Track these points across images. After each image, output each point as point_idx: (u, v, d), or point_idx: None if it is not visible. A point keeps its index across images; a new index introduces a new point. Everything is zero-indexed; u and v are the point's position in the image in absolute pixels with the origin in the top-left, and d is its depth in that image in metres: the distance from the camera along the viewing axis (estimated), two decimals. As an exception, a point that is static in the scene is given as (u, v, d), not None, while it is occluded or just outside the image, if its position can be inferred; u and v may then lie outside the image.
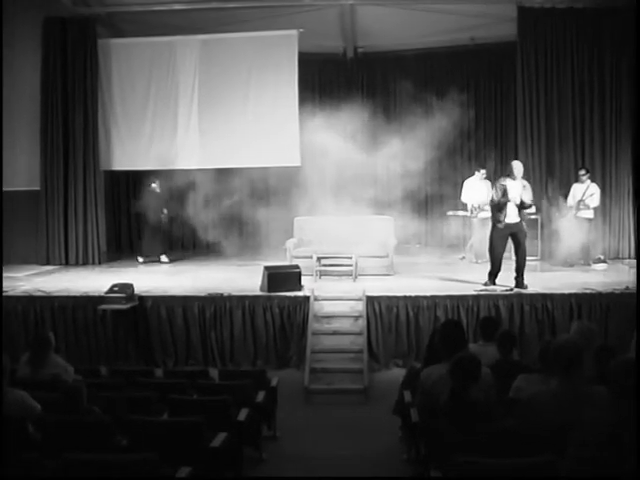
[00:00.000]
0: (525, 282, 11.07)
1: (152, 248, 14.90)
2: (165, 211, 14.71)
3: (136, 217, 16.29)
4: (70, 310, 11.00)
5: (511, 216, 10.92)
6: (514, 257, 11.38)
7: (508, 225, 10.95)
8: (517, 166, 11.00)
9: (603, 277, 12.10)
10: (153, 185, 14.70)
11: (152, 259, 14.79)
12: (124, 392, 6.93)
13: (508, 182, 10.85)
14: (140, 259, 14.89)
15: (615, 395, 4.25)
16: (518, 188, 10.85)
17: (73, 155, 14.60)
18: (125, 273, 13.19)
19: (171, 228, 15.77)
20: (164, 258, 14.86)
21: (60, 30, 14.51)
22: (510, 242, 11.34)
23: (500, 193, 10.80)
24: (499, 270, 11.27)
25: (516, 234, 11.09)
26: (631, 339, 6.62)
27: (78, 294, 11.20)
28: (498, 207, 10.87)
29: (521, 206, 10.88)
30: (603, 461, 3.96)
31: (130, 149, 14.85)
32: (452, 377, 5.40)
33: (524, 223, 11.19)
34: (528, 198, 10.90)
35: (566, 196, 13.48)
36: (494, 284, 11.20)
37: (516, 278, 11.11)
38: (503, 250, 11.26)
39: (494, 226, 11.10)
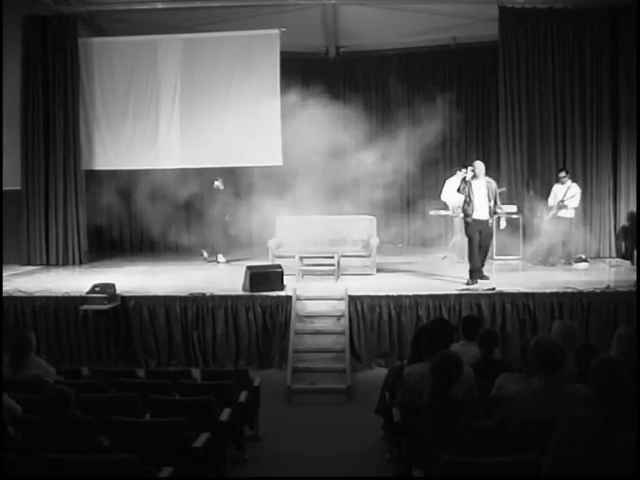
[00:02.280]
0: (487, 274, 11.70)
1: (220, 246, 14.78)
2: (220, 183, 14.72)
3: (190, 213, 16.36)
4: (51, 310, 10.94)
5: (479, 212, 11.43)
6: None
7: (477, 221, 11.44)
8: (478, 166, 11.64)
9: (584, 276, 12.17)
10: (216, 183, 14.66)
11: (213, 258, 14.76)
12: (106, 393, 6.91)
13: (472, 181, 11.53)
14: (205, 254, 14.84)
15: (596, 393, 4.26)
16: (482, 186, 11.45)
17: (54, 155, 14.52)
18: (107, 273, 13.14)
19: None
20: (221, 258, 14.69)
21: (41, 28, 14.43)
22: None
23: (466, 191, 11.46)
24: (480, 266, 11.56)
25: (481, 231, 11.57)
26: (612, 337, 6.64)
27: (59, 294, 11.14)
28: (466, 201, 11.47)
29: (492, 202, 11.49)
30: (584, 459, 3.97)
31: (111, 149, 14.77)
32: (434, 376, 5.41)
33: (492, 222, 11.78)
34: (492, 194, 11.49)
35: (547, 196, 13.54)
36: (476, 282, 11.34)
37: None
38: (476, 249, 11.60)
39: (466, 223, 11.61)
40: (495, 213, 11.72)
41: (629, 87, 14.10)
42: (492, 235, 12.09)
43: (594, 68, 14.26)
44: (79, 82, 14.57)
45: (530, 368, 5.26)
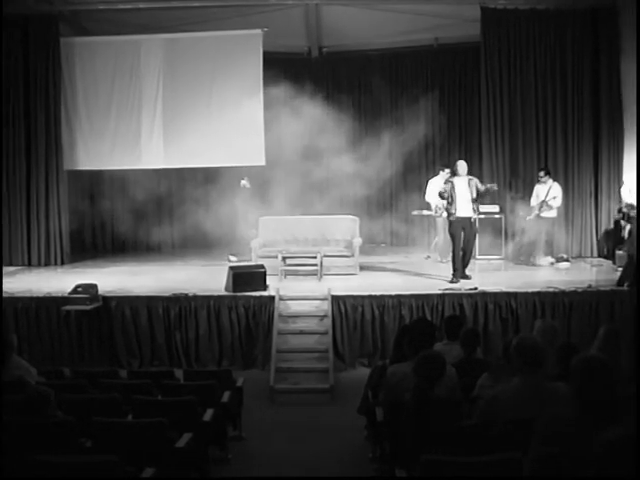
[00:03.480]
0: (469, 274, 11.81)
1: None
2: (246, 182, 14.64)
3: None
4: (33, 311, 10.89)
5: (462, 210, 11.56)
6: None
7: (460, 218, 11.54)
8: (460, 164, 11.80)
9: (566, 276, 12.24)
10: (243, 182, 14.60)
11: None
12: (88, 393, 6.89)
13: (455, 179, 11.69)
14: (232, 258, 14.44)
15: (577, 391, 4.29)
16: (464, 184, 11.58)
17: (35, 155, 14.41)
18: (89, 274, 13.06)
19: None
20: (232, 257, 14.46)
21: (22, 28, 14.32)
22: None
23: (448, 190, 11.59)
24: (462, 264, 11.69)
25: (465, 229, 11.66)
26: (593, 336, 6.69)
27: (41, 295, 11.09)
28: (448, 201, 11.62)
29: (474, 200, 11.62)
30: (565, 458, 3.99)
31: (93, 149, 14.68)
32: (417, 375, 5.43)
33: (476, 220, 11.89)
34: (473, 191, 11.60)
35: (529, 196, 13.60)
36: (459, 280, 11.45)
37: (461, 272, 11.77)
38: (459, 246, 11.71)
39: (450, 222, 11.73)
40: (477, 209, 11.82)
41: (610, 87, 14.22)
42: (476, 234, 12.16)
43: (575, 68, 14.32)
44: (61, 82, 14.47)
45: (512, 367, 5.28)
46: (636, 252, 11.59)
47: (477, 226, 12.17)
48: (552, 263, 13.21)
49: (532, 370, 5.00)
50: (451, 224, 11.69)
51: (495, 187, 12.57)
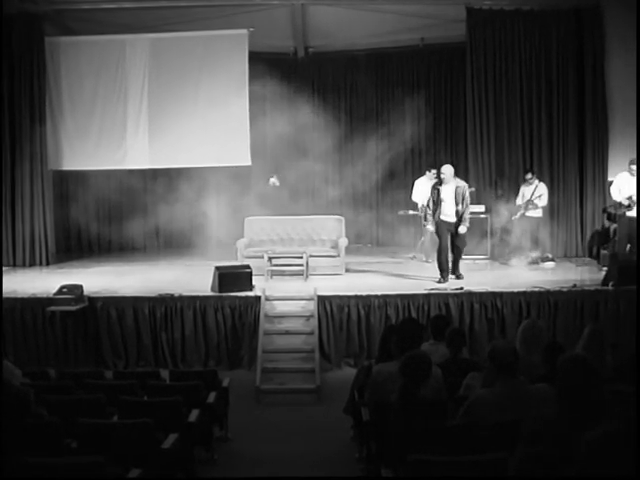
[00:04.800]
0: (462, 274, 11.97)
1: None
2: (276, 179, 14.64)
3: None
4: (18, 312, 10.84)
5: (447, 215, 11.67)
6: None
7: (445, 222, 11.70)
8: (445, 170, 11.85)
9: (551, 275, 12.28)
10: (272, 180, 14.57)
11: None
12: (73, 394, 6.87)
13: (441, 187, 11.77)
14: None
15: (562, 391, 4.30)
16: (451, 190, 11.66)
17: (20, 154, 14.32)
18: (74, 274, 13.00)
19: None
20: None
21: (6, 27, 14.21)
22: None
23: (435, 195, 11.73)
24: (446, 267, 11.71)
25: (451, 232, 11.79)
26: (579, 335, 6.72)
27: (26, 296, 11.05)
28: (434, 207, 11.76)
29: (460, 206, 11.68)
30: (550, 458, 4.01)
31: (78, 149, 14.62)
32: (403, 375, 5.44)
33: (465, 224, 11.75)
34: (460, 198, 11.67)
35: (515, 196, 13.64)
36: (447, 280, 11.52)
37: (453, 272, 11.92)
38: (445, 248, 11.78)
39: (436, 223, 11.83)
40: (461, 217, 11.69)
41: (594, 86, 14.27)
42: (464, 236, 12.05)
43: (560, 68, 14.38)
44: (45, 82, 14.40)
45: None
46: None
47: (462, 230, 12.00)
48: (532, 263, 13.21)
49: (509, 375, 5.04)
50: (438, 226, 11.77)
51: (472, 189, 13.15)
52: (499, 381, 5.06)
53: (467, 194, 11.80)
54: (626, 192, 12.32)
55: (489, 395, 5.04)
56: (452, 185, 11.69)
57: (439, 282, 11.41)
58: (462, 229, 11.67)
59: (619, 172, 12.76)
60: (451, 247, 11.90)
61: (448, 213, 11.65)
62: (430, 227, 12.04)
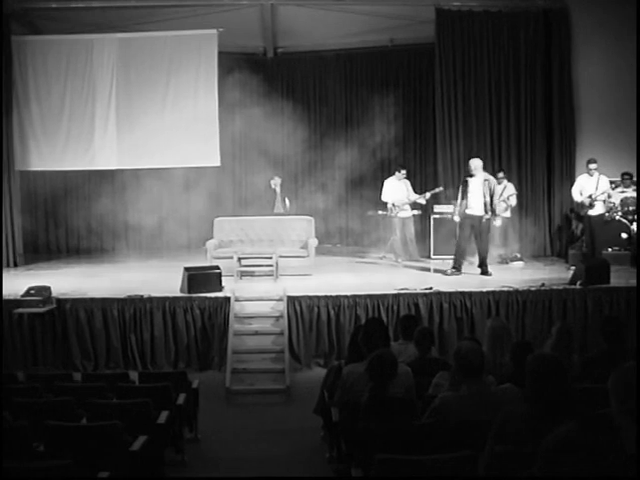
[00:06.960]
0: (489, 271, 12.16)
1: None
2: (288, 201, 14.57)
3: None
4: (-16, 314, 10.72)
5: (473, 208, 12.01)
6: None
7: (470, 216, 12.02)
8: (473, 163, 12.24)
9: (520, 275, 12.37)
10: (272, 182, 14.48)
11: None
12: (42, 397, 6.82)
13: (470, 179, 12.16)
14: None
15: (531, 389, 4.34)
16: (479, 183, 12.01)
17: (-14, 155, 14.20)
18: (42, 276, 12.90)
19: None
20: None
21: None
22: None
23: (462, 188, 12.18)
24: (462, 259, 12.25)
25: (475, 227, 12.07)
26: (547, 334, 6.80)
27: (-8, 297, 10.92)
28: (461, 199, 12.11)
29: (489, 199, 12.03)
30: (519, 455, 4.04)
31: (46, 149, 14.50)
32: (369, 375, 5.47)
33: (487, 218, 12.11)
34: (488, 191, 12.01)
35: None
36: (458, 272, 12.13)
37: (479, 266, 12.30)
38: (464, 240, 12.22)
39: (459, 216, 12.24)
40: (492, 209, 12.09)
41: (562, 86, 14.45)
42: (488, 230, 12.35)
43: (528, 69, 14.54)
44: (12, 81, 14.27)
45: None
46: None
47: (491, 224, 12.44)
48: (506, 262, 13.37)
49: (475, 377, 5.07)
50: (460, 221, 12.21)
51: (440, 189, 13.73)
52: (465, 384, 5.09)
53: (496, 188, 12.26)
54: (587, 192, 12.53)
55: (454, 398, 5.07)
56: (480, 178, 12.03)
57: (446, 274, 12.02)
58: (498, 222, 12.31)
59: (584, 172, 12.93)
60: (475, 241, 12.28)
61: (474, 206, 11.98)
62: (456, 218, 12.35)
